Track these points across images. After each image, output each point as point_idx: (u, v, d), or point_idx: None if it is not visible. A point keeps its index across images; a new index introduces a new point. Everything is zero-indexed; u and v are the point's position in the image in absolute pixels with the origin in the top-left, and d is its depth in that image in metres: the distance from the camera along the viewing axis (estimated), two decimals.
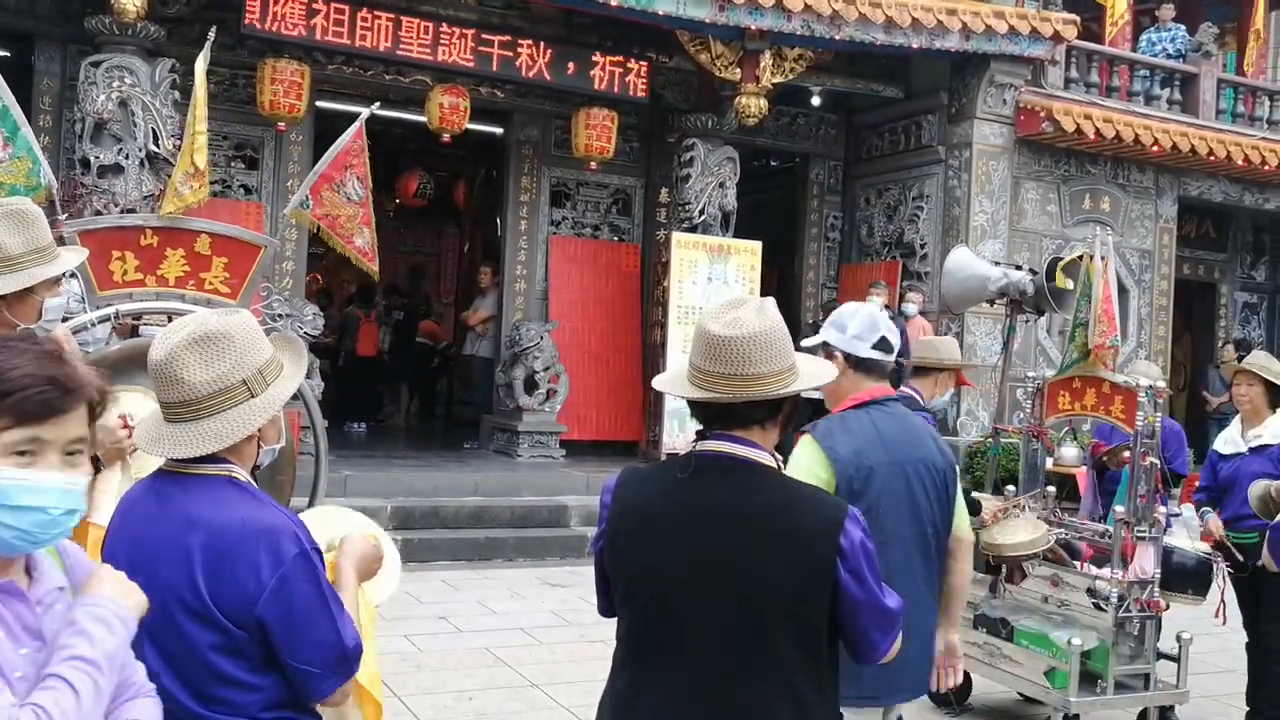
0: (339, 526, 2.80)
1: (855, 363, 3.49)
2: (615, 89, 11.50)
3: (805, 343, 3.92)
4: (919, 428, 3.58)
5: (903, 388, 5.87)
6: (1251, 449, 5.85)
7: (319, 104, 11.56)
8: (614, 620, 2.50)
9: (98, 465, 3.09)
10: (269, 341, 2.37)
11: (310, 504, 5.41)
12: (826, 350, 3.54)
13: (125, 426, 3.11)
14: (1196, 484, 6.32)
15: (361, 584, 2.60)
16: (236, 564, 2.15)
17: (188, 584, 2.15)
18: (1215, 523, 5.77)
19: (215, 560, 2.15)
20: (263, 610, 2.15)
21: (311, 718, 2.30)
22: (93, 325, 4.73)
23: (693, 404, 2.42)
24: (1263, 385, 5.81)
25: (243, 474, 2.30)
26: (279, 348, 2.41)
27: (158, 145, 9.30)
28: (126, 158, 9.22)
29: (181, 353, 2.22)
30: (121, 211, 8.44)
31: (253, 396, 2.27)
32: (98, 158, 9.18)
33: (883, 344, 3.50)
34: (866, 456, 3.32)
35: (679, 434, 11.10)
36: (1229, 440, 6.06)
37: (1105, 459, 6.85)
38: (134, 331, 5.59)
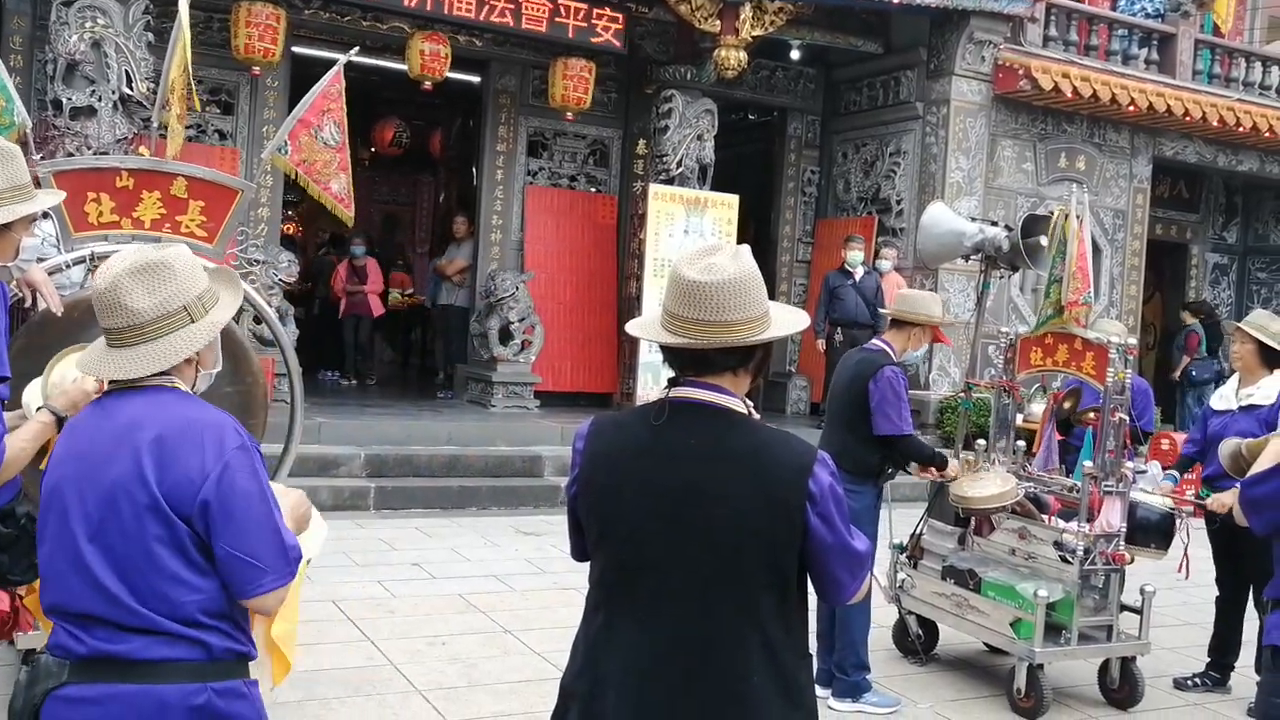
0: None
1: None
2: (594, 39, 11.42)
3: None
4: None
5: (875, 340, 5.94)
6: (1241, 407, 5.91)
7: (295, 49, 11.45)
8: (586, 567, 2.53)
9: (61, 423, 3.10)
10: (205, 273, 2.51)
11: (285, 450, 5.41)
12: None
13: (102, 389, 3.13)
14: (1188, 437, 6.40)
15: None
16: (182, 452, 2.26)
17: (136, 478, 2.24)
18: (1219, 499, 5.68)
19: (162, 451, 2.26)
20: (205, 494, 2.24)
21: (245, 638, 2.36)
22: (68, 267, 4.70)
23: (665, 350, 2.43)
24: (1255, 344, 5.84)
25: (183, 386, 2.44)
26: (214, 279, 2.55)
27: (131, 88, 9.18)
28: (99, 100, 9.10)
29: (125, 280, 2.36)
30: (95, 154, 8.34)
31: (193, 321, 2.41)
32: (70, 99, 9.06)
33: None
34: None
35: (653, 387, 11.14)
36: (1223, 396, 6.13)
37: (1073, 418, 6.94)
38: None
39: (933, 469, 5.92)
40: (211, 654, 2.27)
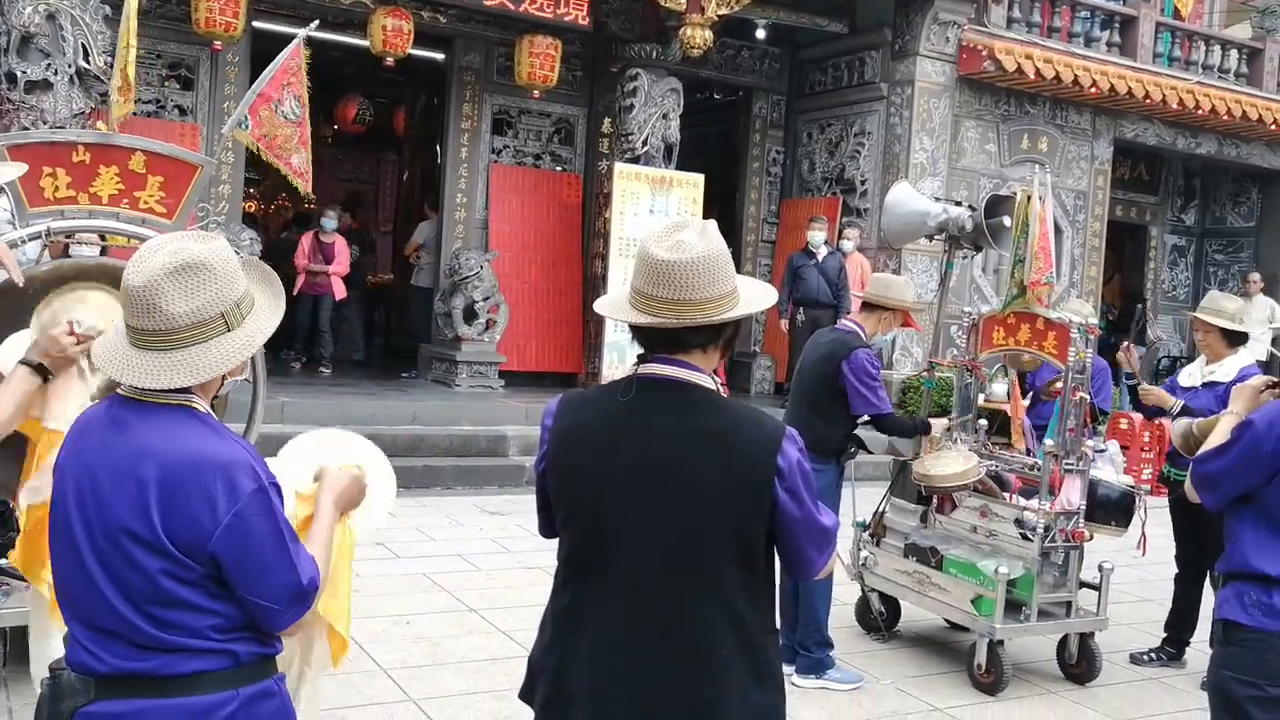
0: (332, 455, 2.76)
1: None
2: (559, 16, 11.35)
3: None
4: None
5: (844, 320, 5.96)
6: (1204, 384, 6.01)
7: (257, 24, 11.31)
8: (552, 546, 2.53)
9: (46, 374, 3.04)
10: (242, 272, 2.30)
11: (247, 429, 5.37)
12: None
13: (71, 334, 3.04)
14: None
15: (346, 515, 2.59)
16: (191, 498, 2.11)
17: (140, 515, 2.11)
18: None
19: (170, 493, 2.12)
20: (216, 546, 2.12)
21: (271, 639, 2.29)
22: (23, 243, 4.63)
23: (634, 328, 2.42)
24: (1216, 330, 5.95)
25: (202, 405, 2.25)
26: (250, 277, 2.34)
27: (88, 61, 9.04)
28: (55, 74, 8.94)
29: (162, 281, 2.15)
30: (51, 129, 8.22)
31: (229, 330, 2.21)
32: (25, 73, 8.90)
33: None
34: None
35: (618, 366, 11.13)
36: (1189, 373, 6.23)
37: (1040, 392, 7.00)
38: (65, 251, 5.48)
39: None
40: (239, 660, 2.20)
